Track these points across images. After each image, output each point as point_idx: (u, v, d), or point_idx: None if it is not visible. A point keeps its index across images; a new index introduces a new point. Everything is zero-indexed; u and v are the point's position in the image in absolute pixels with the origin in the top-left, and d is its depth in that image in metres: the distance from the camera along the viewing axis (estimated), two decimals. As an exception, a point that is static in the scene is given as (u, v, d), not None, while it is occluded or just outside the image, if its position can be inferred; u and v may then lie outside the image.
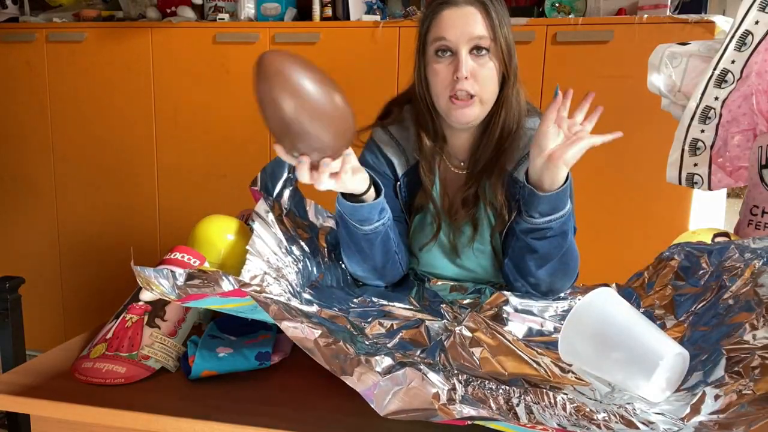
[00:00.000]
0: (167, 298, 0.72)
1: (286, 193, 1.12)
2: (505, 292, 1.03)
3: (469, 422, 0.62)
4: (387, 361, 0.66)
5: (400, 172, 1.16)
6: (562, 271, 1.05)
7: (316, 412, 0.74)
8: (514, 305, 0.99)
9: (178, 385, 0.81)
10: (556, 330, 0.91)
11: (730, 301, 0.80)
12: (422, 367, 0.66)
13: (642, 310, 0.94)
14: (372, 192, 1.01)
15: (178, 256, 0.98)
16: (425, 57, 1.11)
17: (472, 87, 1.06)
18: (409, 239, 1.19)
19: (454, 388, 0.65)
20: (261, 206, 1.02)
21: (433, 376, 0.65)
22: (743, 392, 0.65)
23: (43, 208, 2.58)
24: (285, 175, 1.13)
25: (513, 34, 1.12)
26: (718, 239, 1.07)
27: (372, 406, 0.62)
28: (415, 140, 1.16)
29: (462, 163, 1.18)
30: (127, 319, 0.88)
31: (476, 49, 1.06)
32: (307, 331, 0.67)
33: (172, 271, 0.73)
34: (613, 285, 1.06)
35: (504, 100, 1.11)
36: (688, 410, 0.67)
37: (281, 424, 0.71)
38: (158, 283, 0.71)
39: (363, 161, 1.19)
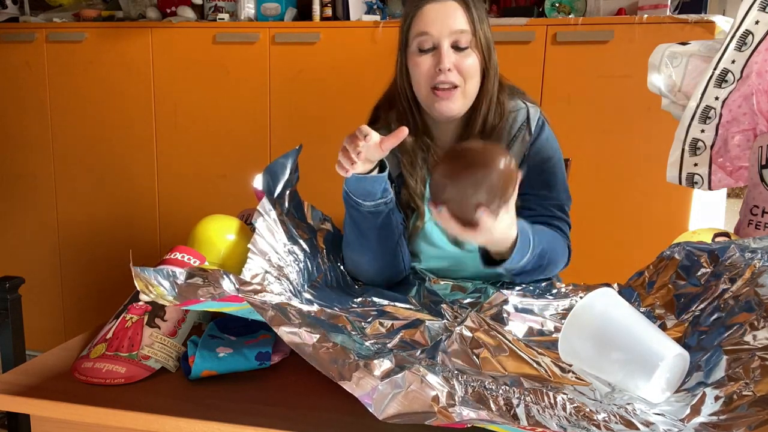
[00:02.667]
0: (164, 302, 0.72)
1: (286, 194, 1.12)
2: (505, 291, 1.03)
3: (469, 425, 0.61)
4: (386, 365, 0.66)
5: (394, 173, 1.17)
6: (542, 273, 1.08)
7: (316, 413, 0.74)
8: (514, 304, 0.99)
9: (178, 385, 0.81)
10: (557, 330, 0.91)
11: (731, 302, 0.80)
12: (421, 369, 0.66)
13: (642, 309, 0.94)
14: (376, 171, 1.03)
15: (178, 256, 0.98)
16: (407, 52, 1.13)
17: (455, 78, 1.09)
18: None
19: (453, 390, 0.65)
20: (264, 205, 1.02)
21: (432, 378, 0.65)
22: (743, 393, 0.65)
23: (43, 208, 2.58)
24: (286, 176, 1.13)
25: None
26: (719, 239, 1.07)
27: (370, 410, 0.62)
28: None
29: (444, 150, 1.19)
30: (127, 319, 0.88)
31: (457, 43, 1.08)
32: (305, 336, 0.67)
33: (172, 271, 0.73)
34: (615, 285, 1.06)
35: (485, 95, 1.13)
36: (688, 411, 0.67)
37: (281, 424, 0.71)
38: (158, 284, 0.71)
39: None
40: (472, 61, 1.09)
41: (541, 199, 1.17)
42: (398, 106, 1.19)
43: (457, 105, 1.11)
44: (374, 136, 0.97)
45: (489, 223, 0.90)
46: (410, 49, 1.12)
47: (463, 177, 0.88)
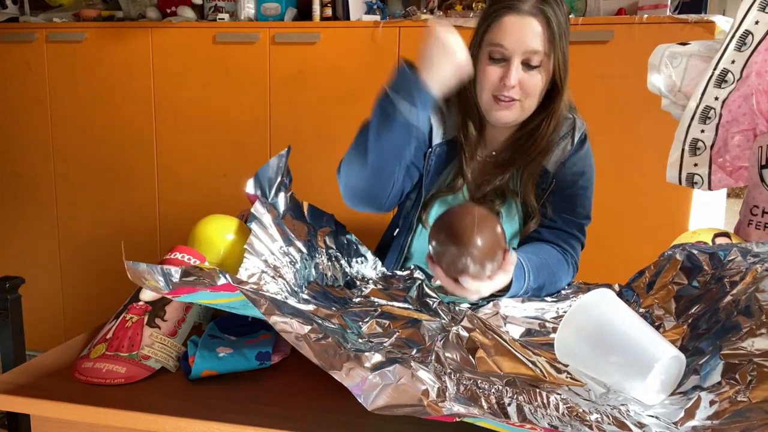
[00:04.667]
0: (158, 292, 0.72)
1: (281, 196, 1.12)
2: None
3: (458, 419, 0.62)
4: (377, 357, 0.66)
5: (435, 141, 1.21)
6: (539, 295, 1.09)
7: (315, 413, 0.74)
8: (513, 307, 0.99)
9: (178, 385, 0.81)
10: (554, 330, 0.91)
11: (731, 306, 0.79)
12: (413, 364, 0.66)
13: (642, 310, 0.94)
14: None
15: (178, 256, 0.98)
16: (478, 54, 1.14)
17: (516, 94, 1.11)
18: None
19: (444, 386, 0.65)
20: (257, 208, 1.02)
21: (423, 373, 0.65)
22: (738, 399, 0.65)
23: (43, 208, 2.58)
24: (279, 179, 1.13)
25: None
26: (719, 239, 1.07)
27: (359, 400, 0.62)
28: (459, 125, 1.21)
29: (493, 153, 1.23)
30: (127, 319, 0.88)
31: (528, 61, 1.09)
32: (296, 325, 0.67)
33: (167, 268, 0.73)
34: (616, 285, 1.06)
35: (554, 113, 1.15)
36: (682, 414, 0.67)
37: (281, 424, 0.71)
38: (151, 279, 0.71)
39: None
40: (536, 81, 1.10)
41: (564, 212, 1.19)
42: (463, 100, 1.20)
43: (513, 115, 1.14)
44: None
45: (474, 286, 0.94)
46: (481, 53, 1.13)
47: (451, 245, 0.93)
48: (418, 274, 1.16)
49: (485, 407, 0.64)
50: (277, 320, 0.67)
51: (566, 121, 1.19)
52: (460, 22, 1.93)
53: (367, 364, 0.65)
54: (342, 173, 1.14)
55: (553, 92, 1.15)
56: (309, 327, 0.67)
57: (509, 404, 0.65)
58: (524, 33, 1.07)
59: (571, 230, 1.20)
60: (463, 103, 1.20)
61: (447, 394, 0.64)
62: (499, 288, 0.98)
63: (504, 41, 1.08)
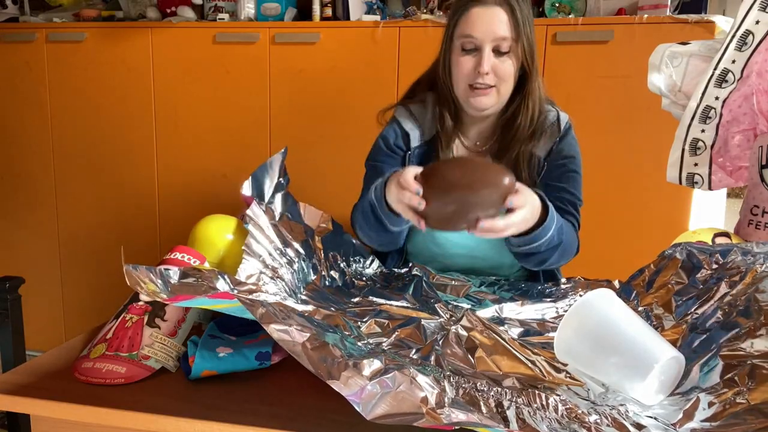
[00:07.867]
0: (156, 298, 0.72)
1: (278, 197, 1.12)
2: (504, 295, 1.03)
3: (456, 427, 0.61)
4: (376, 365, 0.66)
5: (413, 144, 1.27)
6: (559, 256, 1.15)
7: (315, 413, 0.74)
8: (512, 307, 0.99)
9: (178, 385, 0.81)
10: (553, 329, 0.91)
11: (730, 306, 0.79)
12: (412, 369, 0.65)
13: (641, 308, 0.94)
14: None
15: (178, 256, 0.98)
16: (451, 47, 1.20)
17: (491, 80, 1.17)
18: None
19: (443, 391, 0.65)
20: (253, 210, 1.02)
21: (422, 379, 0.65)
22: (737, 401, 0.64)
23: (43, 208, 2.58)
24: (276, 180, 1.13)
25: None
26: (719, 239, 1.07)
27: (358, 410, 0.62)
28: (437, 117, 1.26)
29: (477, 143, 1.28)
30: (127, 319, 0.88)
31: (498, 48, 1.15)
32: (294, 334, 0.67)
33: (166, 269, 0.73)
34: (616, 282, 1.06)
35: (529, 94, 1.21)
36: (680, 415, 0.67)
37: (281, 424, 0.71)
38: (150, 281, 0.71)
39: (382, 136, 1.30)
40: (509, 66, 1.17)
41: (558, 191, 1.24)
42: (440, 93, 1.26)
43: (490, 101, 1.19)
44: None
45: (488, 224, 0.96)
46: (453, 46, 1.19)
47: (448, 202, 0.96)
48: (416, 272, 1.16)
49: (484, 411, 0.64)
50: (274, 329, 0.66)
51: (550, 113, 1.25)
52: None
53: (366, 372, 0.64)
54: (358, 232, 1.22)
55: (524, 78, 1.21)
56: (307, 335, 0.67)
57: (508, 407, 0.65)
58: (492, 21, 1.14)
59: (567, 208, 1.25)
60: (438, 96, 1.26)
61: (446, 399, 0.64)
62: (524, 220, 0.99)
63: (474, 32, 1.15)
